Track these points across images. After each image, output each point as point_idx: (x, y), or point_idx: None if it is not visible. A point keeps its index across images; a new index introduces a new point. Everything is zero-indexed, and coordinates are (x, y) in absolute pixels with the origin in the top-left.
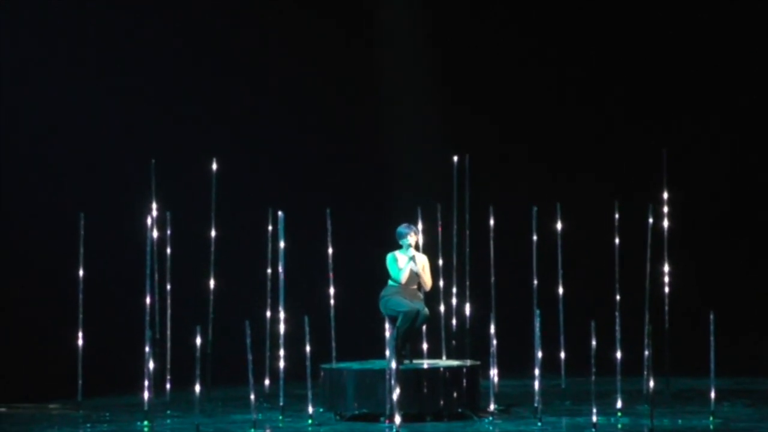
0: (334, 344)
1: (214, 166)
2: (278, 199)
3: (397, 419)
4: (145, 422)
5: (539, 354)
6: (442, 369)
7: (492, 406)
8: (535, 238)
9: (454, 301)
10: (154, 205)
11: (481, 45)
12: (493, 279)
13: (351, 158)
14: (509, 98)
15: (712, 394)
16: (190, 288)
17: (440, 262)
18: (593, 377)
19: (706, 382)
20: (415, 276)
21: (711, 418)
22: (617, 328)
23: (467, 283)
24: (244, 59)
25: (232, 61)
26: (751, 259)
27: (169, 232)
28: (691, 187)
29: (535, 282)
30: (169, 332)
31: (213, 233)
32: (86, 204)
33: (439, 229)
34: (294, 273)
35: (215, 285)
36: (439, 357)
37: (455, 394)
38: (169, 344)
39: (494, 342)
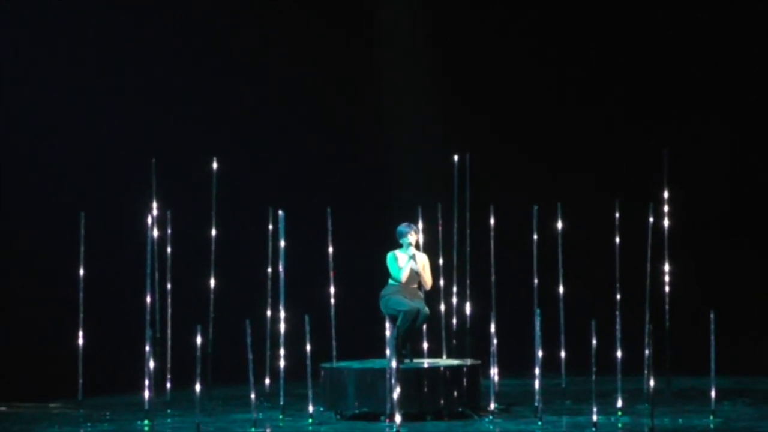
0: (334, 343)
1: (215, 166)
2: (278, 198)
3: (398, 418)
4: (146, 421)
5: (540, 353)
6: (442, 368)
7: (492, 406)
8: (535, 237)
9: (454, 300)
10: (155, 205)
11: (481, 45)
12: (493, 278)
13: (351, 158)
14: (509, 98)
15: (713, 394)
16: (191, 287)
17: (441, 261)
18: (594, 376)
19: (707, 381)
20: (415, 275)
21: (711, 418)
22: (618, 327)
23: (468, 282)
24: (244, 59)
25: (232, 61)
26: (752, 258)
27: (169, 231)
28: (692, 186)
29: (536, 281)
30: (169, 331)
31: (213, 232)
32: (87, 203)
33: (440, 227)
34: (294, 272)
35: (216, 284)
36: (440, 356)
37: (456, 394)
38: (169, 343)
39: (495, 341)
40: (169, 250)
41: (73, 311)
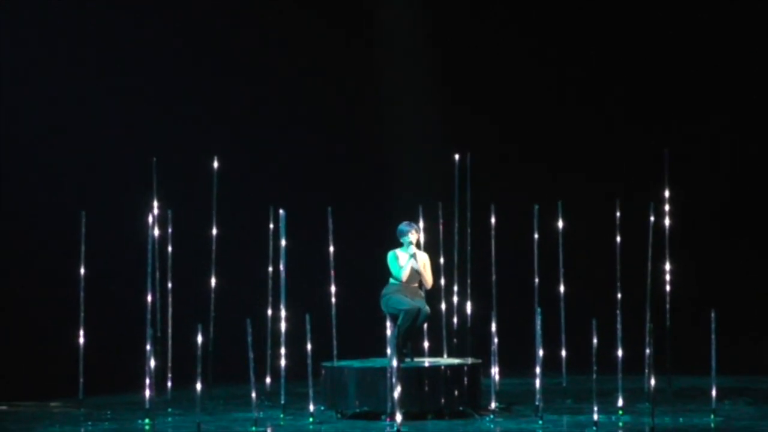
0: (335, 342)
1: (215, 165)
2: (279, 197)
3: (399, 417)
4: (147, 420)
5: (540, 352)
6: (443, 367)
7: (493, 405)
8: (536, 236)
9: (455, 299)
10: (156, 204)
11: (481, 45)
12: (494, 277)
13: (351, 158)
14: (510, 98)
15: (714, 393)
16: (191, 286)
17: (441, 260)
18: (594, 375)
19: (708, 380)
20: (416, 274)
21: (712, 417)
22: (618, 326)
23: (468, 281)
24: (244, 59)
25: (232, 61)
26: (752, 257)
27: (170, 230)
28: (692, 185)
29: (537, 280)
30: (170, 330)
31: (214, 231)
32: (87, 202)
33: (441, 226)
34: (295, 271)
35: (216, 283)
36: (441, 355)
37: (456, 393)
38: (170, 342)
39: (495, 340)
40: (169, 249)
41: (73, 310)
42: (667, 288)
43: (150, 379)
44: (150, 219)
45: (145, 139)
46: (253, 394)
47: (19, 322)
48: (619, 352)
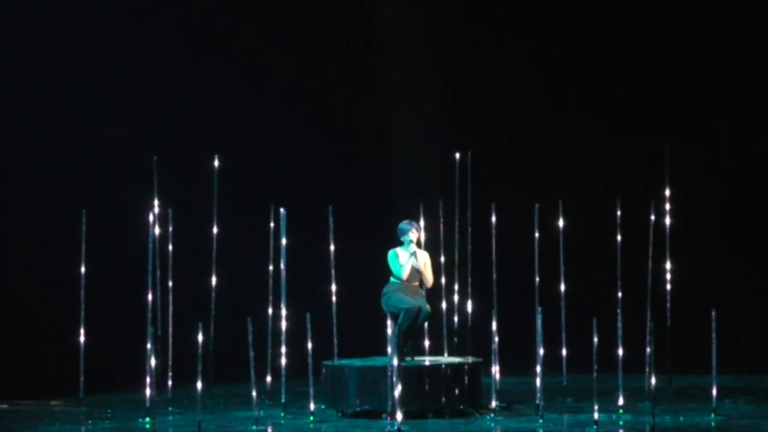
0: (335, 341)
1: (216, 164)
2: (280, 196)
3: (399, 416)
4: (147, 419)
5: (541, 351)
6: (443, 366)
7: (494, 403)
8: (536, 235)
9: (455, 298)
10: (156, 202)
11: (481, 45)
12: (494, 276)
13: (351, 157)
14: (510, 97)
15: (714, 392)
16: (192, 285)
17: (442, 259)
18: (595, 374)
19: (708, 379)
20: (416, 273)
21: (713, 416)
22: (619, 325)
23: (469, 280)
24: (244, 59)
25: (232, 61)
26: (752, 256)
27: (170, 229)
28: (693, 184)
29: (537, 279)
30: (170, 329)
31: (215, 230)
32: (88, 201)
33: (441, 224)
34: (295, 270)
35: (217, 282)
36: (441, 354)
37: (457, 391)
38: (170, 341)
39: (496, 339)
40: (170, 247)
41: (74, 309)
42: (668, 287)
43: (150, 377)
44: (150, 218)
45: (145, 139)
46: (254, 393)
47: (19, 321)
48: (620, 351)
